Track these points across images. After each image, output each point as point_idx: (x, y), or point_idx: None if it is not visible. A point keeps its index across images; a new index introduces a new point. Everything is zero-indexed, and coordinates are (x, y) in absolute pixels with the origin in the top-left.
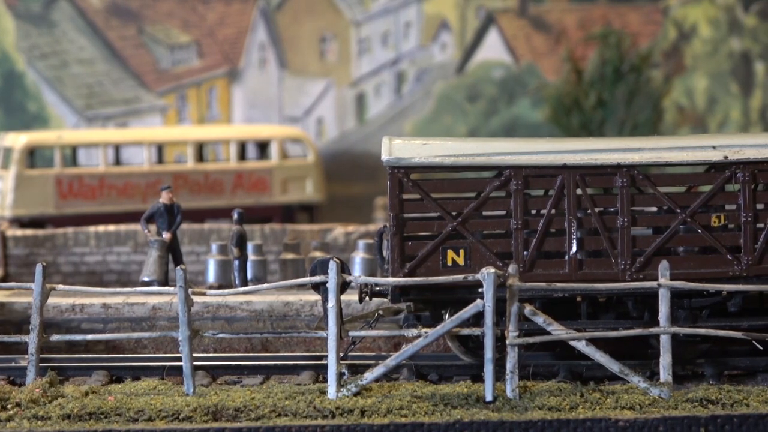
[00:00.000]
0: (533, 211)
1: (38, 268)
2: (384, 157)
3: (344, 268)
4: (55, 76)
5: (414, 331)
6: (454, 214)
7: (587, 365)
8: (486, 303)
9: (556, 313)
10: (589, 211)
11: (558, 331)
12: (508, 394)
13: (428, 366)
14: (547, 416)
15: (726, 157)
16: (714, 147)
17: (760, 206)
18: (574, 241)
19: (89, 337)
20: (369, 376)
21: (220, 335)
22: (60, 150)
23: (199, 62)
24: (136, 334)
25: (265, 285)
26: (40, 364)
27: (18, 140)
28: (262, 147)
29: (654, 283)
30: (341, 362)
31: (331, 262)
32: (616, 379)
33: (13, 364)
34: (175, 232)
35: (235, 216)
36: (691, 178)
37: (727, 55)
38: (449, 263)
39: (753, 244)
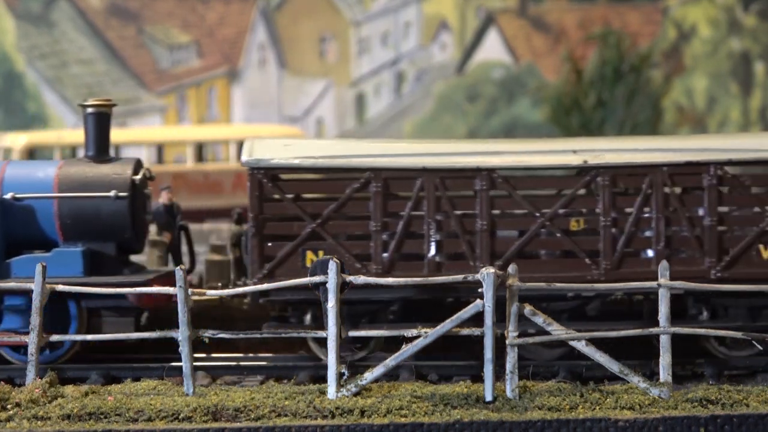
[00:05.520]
0: (401, 213)
1: (38, 268)
2: (243, 158)
3: (344, 268)
4: (55, 76)
5: (414, 331)
6: (315, 215)
7: (587, 365)
8: (486, 303)
9: (416, 314)
10: (449, 214)
11: (558, 331)
12: (508, 394)
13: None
14: (547, 416)
15: (585, 162)
16: (575, 151)
17: (619, 211)
18: (433, 243)
19: (89, 337)
20: (369, 376)
21: (220, 335)
22: (60, 150)
23: (199, 62)
24: (135, 334)
25: (265, 285)
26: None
27: (18, 140)
28: None
29: (654, 284)
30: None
31: (331, 262)
32: (616, 379)
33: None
34: (175, 233)
35: (235, 216)
36: (553, 182)
37: (726, 55)
38: (308, 264)
39: (612, 248)
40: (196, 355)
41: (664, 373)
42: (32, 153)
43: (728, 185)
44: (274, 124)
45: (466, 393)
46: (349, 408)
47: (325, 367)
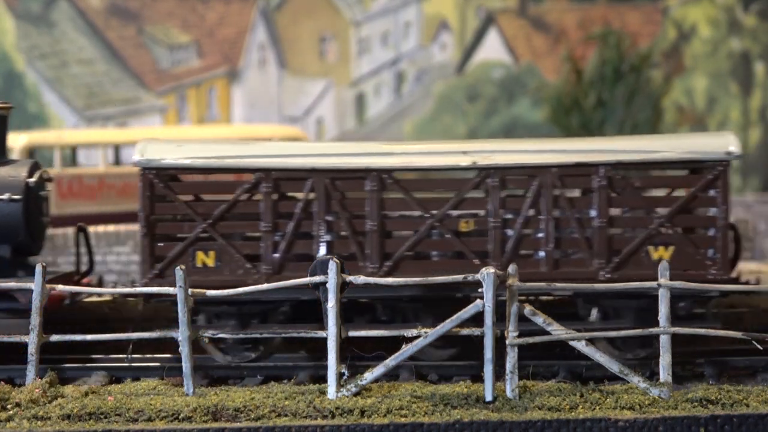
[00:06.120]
0: (292, 214)
1: (38, 268)
2: (135, 158)
3: (344, 268)
4: (55, 76)
5: (414, 331)
6: (206, 215)
7: (587, 365)
8: (486, 303)
9: (305, 316)
10: (339, 214)
11: (558, 331)
12: (508, 394)
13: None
14: (547, 416)
15: (475, 163)
16: (465, 152)
17: (510, 212)
18: (323, 244)
19: (89, 337)
20: (369, 376)
21: (220, 335)
22: (60, 150)
23: (199, 62)
24: (135, 334)
25: (265, 285)
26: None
27: (18, 140)
28: None
29: (654, 283)
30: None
31: (331, 262)
32: (616, 379)
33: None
34: None
35: None
36: (445, 183)
37: (726, 55)
38: (199, 264)
39: (501, 250)
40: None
41: (664, 373)
42: (32, 153)
43: (618, 186)
44: (274, 124)
45: (466, 393)
46: (349, 408)
47: (325, 367)
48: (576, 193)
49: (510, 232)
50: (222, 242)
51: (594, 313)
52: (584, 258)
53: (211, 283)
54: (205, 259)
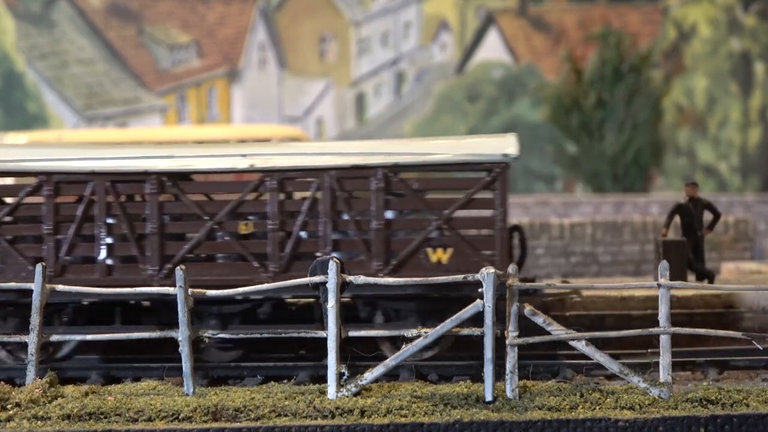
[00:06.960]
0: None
1: (38, 268)
2: None
3: (344, 268)
4: (55, 76)
5: (414, 331)
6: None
7: (587, 365)
8: (486, 303)
9: (90, 318)
10: (120, 217)
11: (558, 331)
12: (508, 394)
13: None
14: (547, 416)
15: (252, 165)
16: (244, 155)
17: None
18: (103, 247)
19: (89, 337)
20: (369, 376)
21: (220, 335)
22: None
23: (199, 62)
24: (135, 334)
25: (265, 285)
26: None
27: (18, 140)
28: None
29: (654, 283)
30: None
31: (331, 262)
32: (616, 379)
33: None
34: None
35: None
36: (225, 186)
37: (726, 55)
38: None
39: (280, 252)
40: None
41: (664, 373)
42: None
43: (397, 189)
44: (274, 124)
45: (466, 393)
46: (349, 408)
47: (325, 367)
48: (355, 195)
49: (288, 234)
50: (5, 245)
51: (379, 316)
52: (364, 260)
53: None
54: None
